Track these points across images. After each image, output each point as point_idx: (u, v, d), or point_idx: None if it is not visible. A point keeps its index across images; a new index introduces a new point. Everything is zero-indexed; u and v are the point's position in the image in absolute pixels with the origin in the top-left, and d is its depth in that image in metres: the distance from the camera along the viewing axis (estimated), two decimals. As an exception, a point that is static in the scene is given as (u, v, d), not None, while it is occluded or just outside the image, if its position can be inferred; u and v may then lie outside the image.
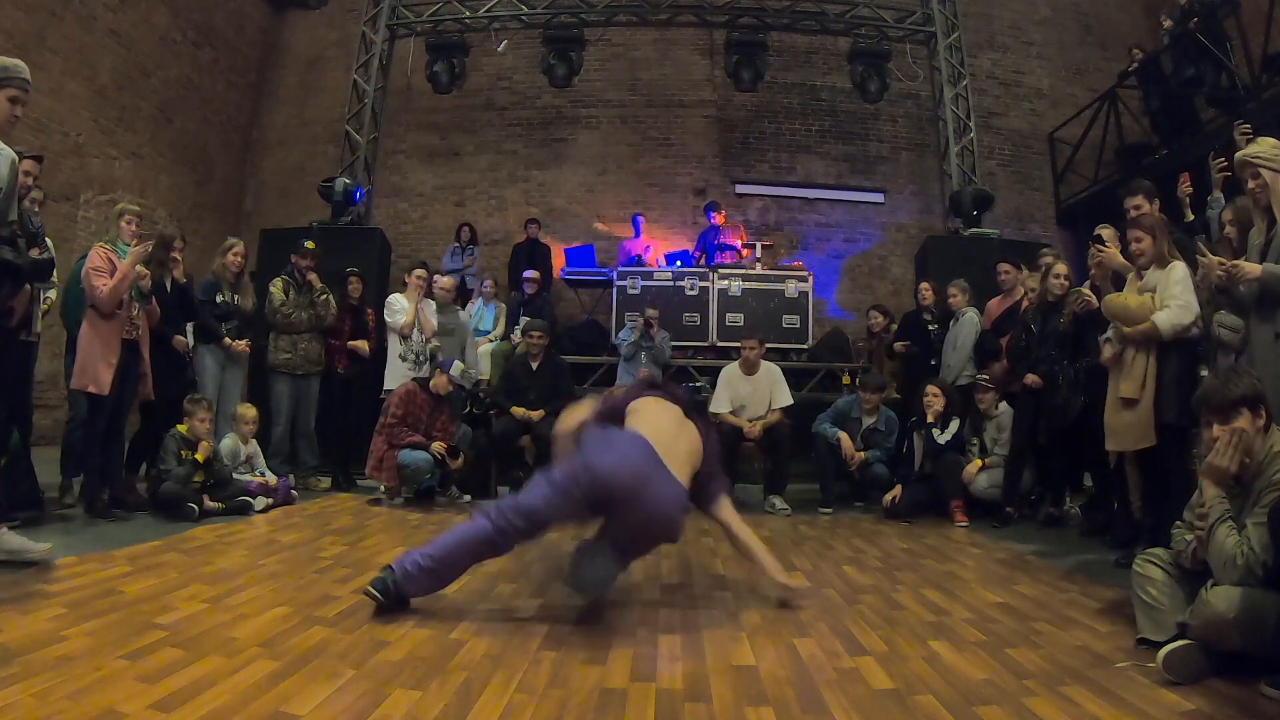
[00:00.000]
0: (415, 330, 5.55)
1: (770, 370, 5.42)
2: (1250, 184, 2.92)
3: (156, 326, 4.35)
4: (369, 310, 5.77)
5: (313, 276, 5.37)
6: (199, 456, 4.14)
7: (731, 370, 5.44)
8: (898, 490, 4.86)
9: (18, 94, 2.95)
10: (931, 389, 4.94)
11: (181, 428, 4.19)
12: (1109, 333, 3.62)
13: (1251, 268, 2.80)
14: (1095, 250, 3.75)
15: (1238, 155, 3.02)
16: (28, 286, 3.26)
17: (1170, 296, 3.24)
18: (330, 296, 5.44)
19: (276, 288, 5.31)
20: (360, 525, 4.14)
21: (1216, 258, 2.96)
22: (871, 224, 9.38)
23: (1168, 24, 7.46)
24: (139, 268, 3.99)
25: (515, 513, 2.41)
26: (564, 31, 7.92)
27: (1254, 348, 2.88)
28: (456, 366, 5.16)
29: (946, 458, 4.79)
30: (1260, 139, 3.03)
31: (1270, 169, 2.84)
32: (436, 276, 5.90)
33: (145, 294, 4.16)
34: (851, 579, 3.18)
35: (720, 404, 5.29)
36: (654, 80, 9.58)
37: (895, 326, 6.24)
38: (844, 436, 5.14)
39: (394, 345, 5.59)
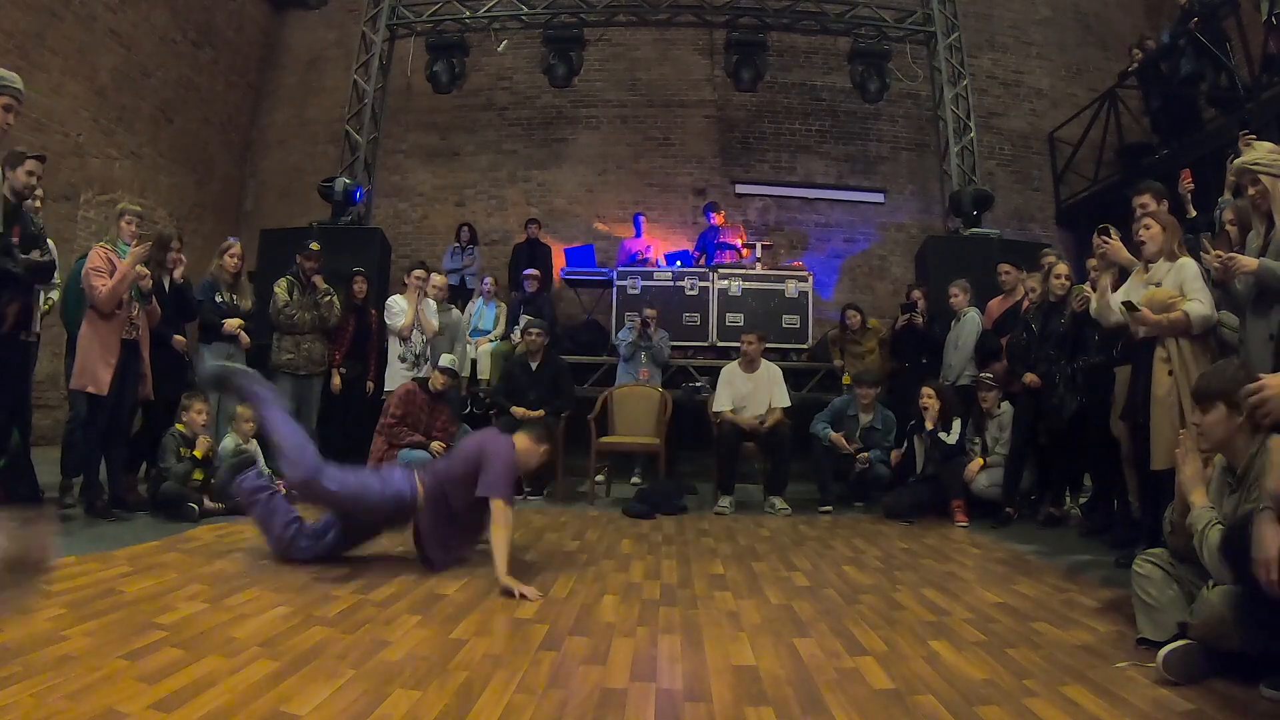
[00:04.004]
0: (415, 331, 5.55)
1: (770, 369, 5.43)
2: (1250, 190, 2.92)
3: (156, 327, 4.35)
4: (373, 311, 5.76)
5: (317, 278, 5.37)
6: (197, 453, 4.14)
7: (731, 368, 5.45)
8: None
9: (10, 101, 2.99)
10: (926, 391, 4.94)
11: (180, 426, 4.19)
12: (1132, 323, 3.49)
13: (1248, 261, 2.81)
14: (1100, 241, 3.74)
15: (1236, 163, 3.02)
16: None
17: (1193, 290, 3.18)
18: (334, 297, 5.43)
19: (281, 288, 5.31)
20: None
21: (1215, 251, 2.96)
22: (871, 224, 9.38)
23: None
24: (139, 268, 3.99)
25: None
26: (564, 31, 7.92)
27: (1248, 345, 2.88)
28: (445, 358, 5.17)
29: (954, 459, 4.79)
30: (1257, 144, 3.03)
31: (1269, 174, 2.85)
32: (433, 277, 5.90)
33: (145, 294, 4.16)
34: (851, 579, 3.18)
35: (721, 402, 5.30)
36: (654, 80, 9.58)
37: (874, 323, 6.22)
38: (833, 434, 5.16)
39: (393, 346, 5.58)
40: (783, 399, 5.30)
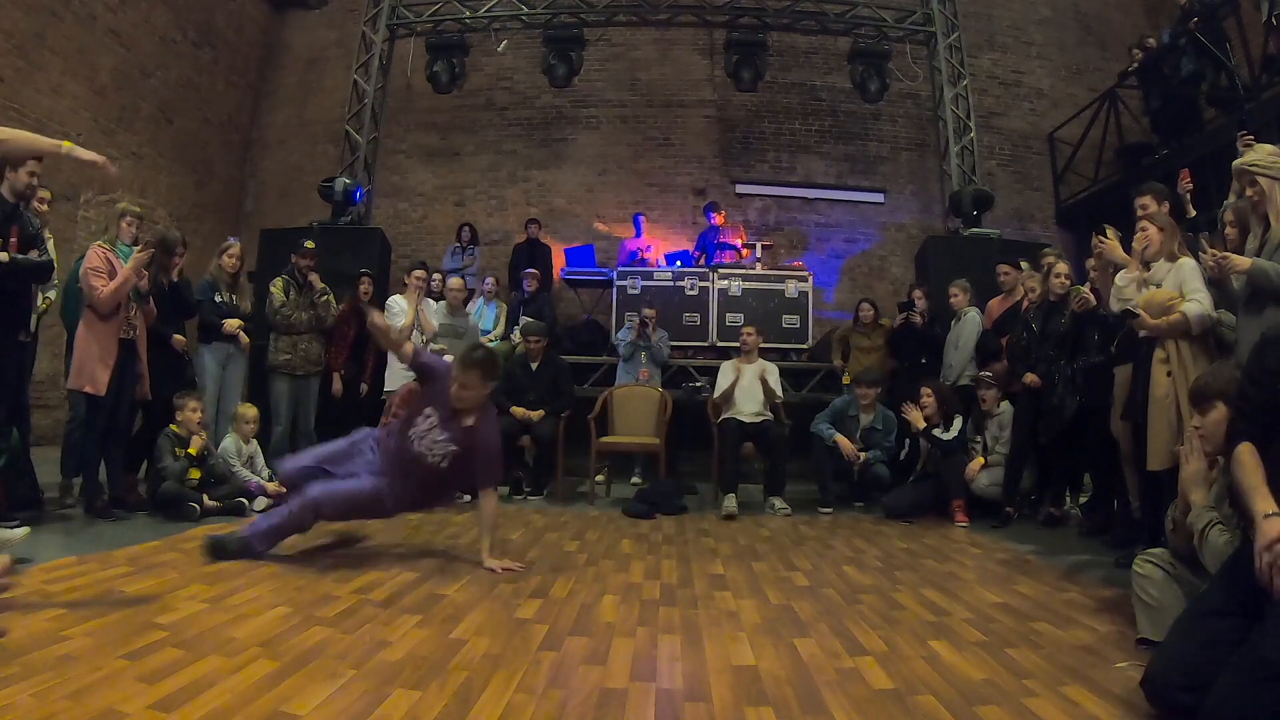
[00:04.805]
0: (415, 331, 5.54)
1: (767, 365, 5.52)
2: (1248, 192, 2.92)
3: (154, 326, 4.35)
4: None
5: (313, 277, 5.37)
6: (192, 450, 4.14)
7: (729, 364, 5.57)
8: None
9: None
10: (924, 390, 4.96)
11: (175, 426, 4.19)
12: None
13: (1241, 260, 2.82)
14: (1097, 242, 3.74)
15: (1235, 164, 3.02)
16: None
17: (1192, 290, 3.18)
18: (331, 297, 5.43)
19: (277, 288, 5.31)
20: (360, 525, 4.13)
21: (1212, 250, 2.97)
22: (871, 224, 9.38)
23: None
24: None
25: None
26: (564, 31, 7.92)
27: (1240, 345, 2.89)
28: (446, 359, 5.17)
29: (953, 456, 4.80)
30: (1258, 146, 3.04)
31: (1267, 176, 2.85)
32: (449, 279, 5.89)
33: (142, 294, 4.16)
34: (851, 579, 3.18)
35: (721, 386, 5.42)
36: (654, 80, 9.59)
37: (886, 322, 6.22)
38: (841, 438, 5.14)
39: (393, 345, 5.58)
40: (776, 389, 5.40)
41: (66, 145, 2.67)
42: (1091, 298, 4.04)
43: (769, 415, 5.34)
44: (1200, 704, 1.62)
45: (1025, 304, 4.95)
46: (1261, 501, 1.76)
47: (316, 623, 2.31)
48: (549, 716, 1.72)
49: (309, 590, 2.70)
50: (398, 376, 5.42)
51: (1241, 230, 3.14)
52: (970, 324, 5.36)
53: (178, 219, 8.41)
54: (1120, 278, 3.56)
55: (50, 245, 3.86)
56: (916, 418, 4.89)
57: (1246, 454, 1.89)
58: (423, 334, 5.57)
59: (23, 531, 2.88)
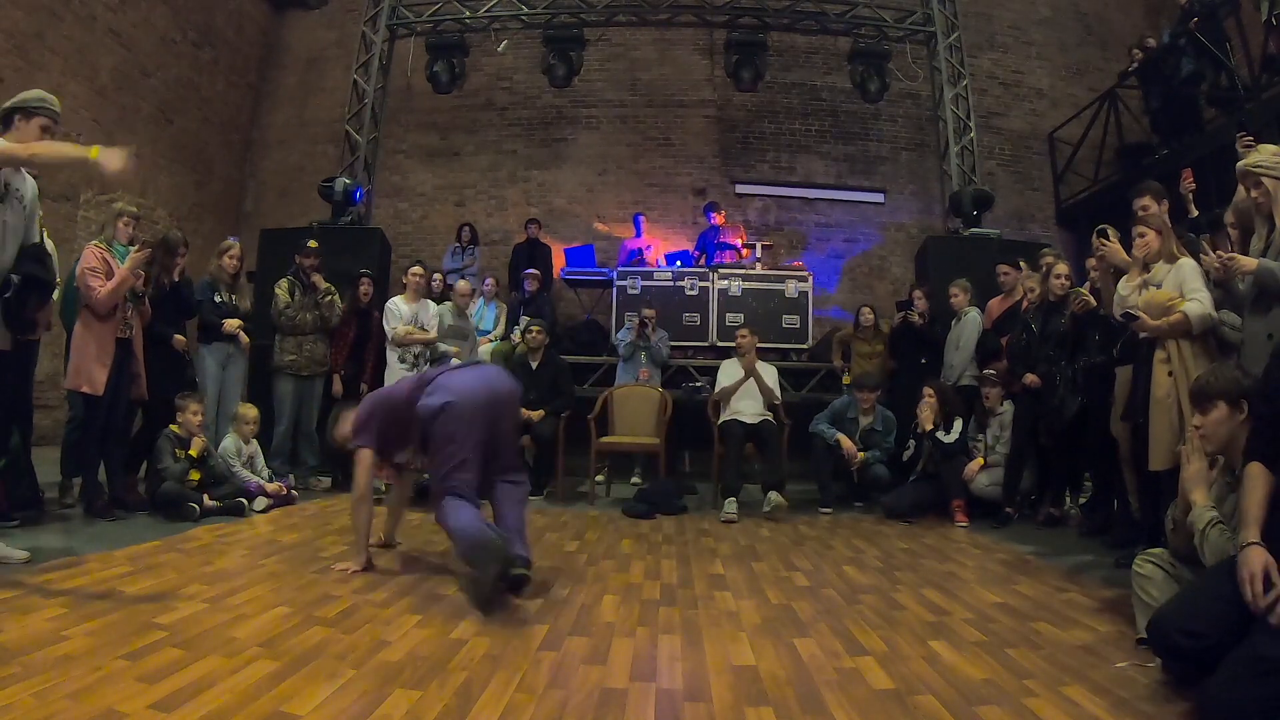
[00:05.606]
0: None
1: (765, 367, 5.53)
2: (1252, 193, 2.92)
3: (155, 327, 4.34)
4: (376, 313, 5.73)
5: (317, 278, 5.36)
6: (193, 452, 4.14)
7: (730, 363, 5.57)
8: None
9: (48, 123, 2.98)
10: (927, 390, 4.96)
11: (175, 427, 4.19)
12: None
13: (1247, 261, 2.82)
14: (1099, 243, 3.74)
15: (1239, 165, 3.02)
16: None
17: (1191, 290, 3.17)
18: (335, 297, 5.43)
19: (282, 289, 5.30)
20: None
21: (1217, 251, 2.96)
22: (871, 224, 9.38)
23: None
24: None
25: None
26: (564, 31, 7.91)
27: (1246, 345, 2.89)
28: (454, 363, 5.17)
29: (954, 458, 4.80)
30: (1261, 147, 3.03)
31: (1271, 176, 2.85)
32: (456, 282, 5.88)
33: (139, 294, 4.15)
34: (851, 579, 3.18)
35: (720, 384, 5.43)
36: (654, 80, 9.59)
37: (886, 325, 6.22)
38: (843, 438, 5.14)
39: (392, 347, 5.58)
40: (775, 389, 5.43)
41: (94, 153, 2.60)
42: (1091, 299, 4.04)
43: (769, 415, 5.34)
44: (1194, 649, 1.79)
45: (1025, 304, 4.95)
46: (1246, 530, 1.85)
47: (316, 623, 2.31)
48: (549, 716, 1.72)
49: (309, 590, 2.70)
50: (396, 376, 5.41)
51: (1243, 231, 3.13)
52: (970, 324, 5.36)
53: (178, 219, 8.41)
54: (1122, 285, 3.56)
55: (49, 245, 3.85)
56: (926, 418, 4.88)
57: (1252, 475, 1.94)
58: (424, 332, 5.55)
59: (22, 555, 2.89)
